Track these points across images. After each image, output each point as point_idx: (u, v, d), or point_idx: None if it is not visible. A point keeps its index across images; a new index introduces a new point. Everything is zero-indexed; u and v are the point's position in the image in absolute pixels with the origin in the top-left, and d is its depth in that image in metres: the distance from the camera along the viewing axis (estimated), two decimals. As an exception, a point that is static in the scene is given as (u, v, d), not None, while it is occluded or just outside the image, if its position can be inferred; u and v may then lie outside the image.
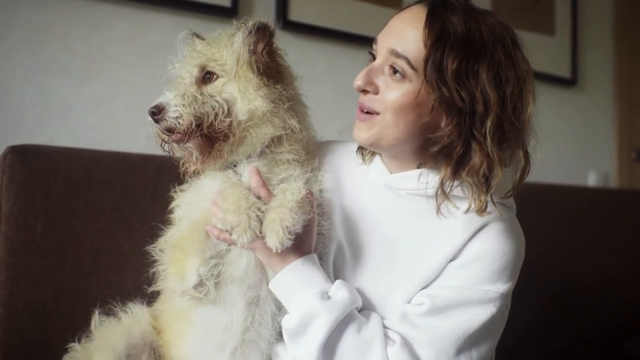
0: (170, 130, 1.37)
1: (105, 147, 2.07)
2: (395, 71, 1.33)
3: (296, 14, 2.54)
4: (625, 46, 3.74)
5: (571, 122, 3.53)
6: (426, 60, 1.28)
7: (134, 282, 1.78)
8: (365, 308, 1.39)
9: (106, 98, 2.20)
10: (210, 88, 1.40)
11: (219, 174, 1.44)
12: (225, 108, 1.38)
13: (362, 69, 1.38)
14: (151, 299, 1.60)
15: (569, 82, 3.47)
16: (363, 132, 1.39)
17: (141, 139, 2.21)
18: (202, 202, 1.42)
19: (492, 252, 1.34)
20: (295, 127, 1.44)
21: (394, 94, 1.33)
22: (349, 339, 1.29)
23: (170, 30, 2.28)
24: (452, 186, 1.32)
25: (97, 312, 1.59)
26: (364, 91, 1.38)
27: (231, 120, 1.38)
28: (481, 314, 1.32)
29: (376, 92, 1.36)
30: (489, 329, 1.34)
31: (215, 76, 1.41)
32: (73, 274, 1.78)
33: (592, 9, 3.62)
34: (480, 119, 1.27)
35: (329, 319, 1.27)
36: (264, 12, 2.49)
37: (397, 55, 1.32)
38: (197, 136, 1.37)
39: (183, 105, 1.35)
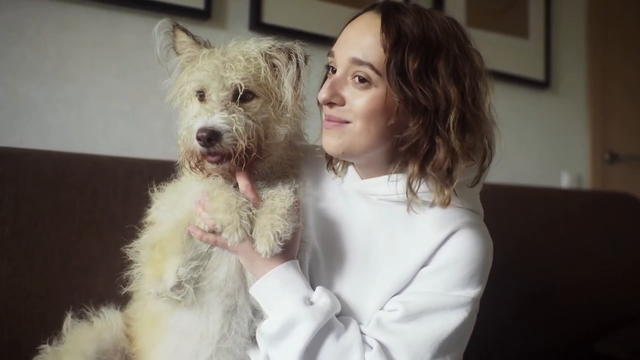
0: (217, 154, 1.32)
1: (76, 149, 2.05)
2: (360, 79, 1.33)
3: (270, 17, 2.53)
4: (599, 48, 3.78)
5: (545, 124, 3.56)
6: (388, 63, 1.29)
7: (104, 285, 1.78)
8: (341, 313, 1.39)
9: (77, 100, 2.16)
10: (247, 108, 1.35)
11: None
12: (264, 131, 1.37)
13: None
14: (123, 303, 1.58)
15: (542, 85, 3.49)
16: (333, 140, 1.38)
17: (113, 141, 2.21)
18: (187, 203, 1.40)
19: (463, 259, 1.35)
20: (304, 139, 1.50)
21: (361, 101, 1.33)
22: (330, 345, 1.30)
23: (141, 31, 2.26)
24: (419, 183, 1.34)
25: (69, 315, 1.58)
26: (330, 104, 1.37)
27: (267, 142, 1.38)
28: (454, 319, 1.34)
29: (342, 104, 1.36)
30: (461, 334, 1.36)
31: (251, 95, 1.36)
32: (42, 277, 1.76)
33: (566, 12, 3.66)
34: (443, 115, 1.29)
35: (312, 324, 1.28)
36: (238, 14, 2.49)
37: (359, 63, 1.32)
38: (237, 157, 1.32)
39: (237, 130, 1.29)
